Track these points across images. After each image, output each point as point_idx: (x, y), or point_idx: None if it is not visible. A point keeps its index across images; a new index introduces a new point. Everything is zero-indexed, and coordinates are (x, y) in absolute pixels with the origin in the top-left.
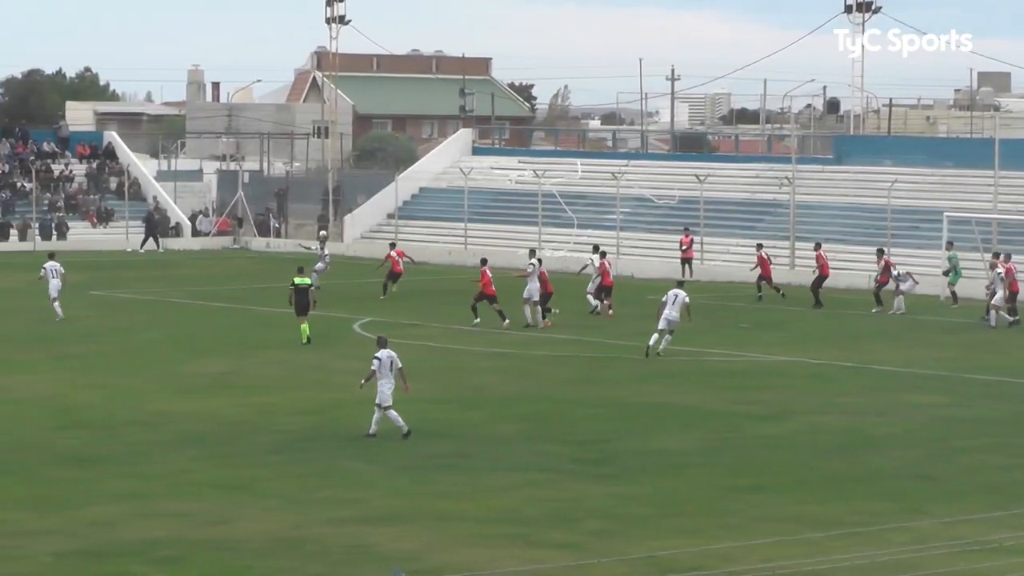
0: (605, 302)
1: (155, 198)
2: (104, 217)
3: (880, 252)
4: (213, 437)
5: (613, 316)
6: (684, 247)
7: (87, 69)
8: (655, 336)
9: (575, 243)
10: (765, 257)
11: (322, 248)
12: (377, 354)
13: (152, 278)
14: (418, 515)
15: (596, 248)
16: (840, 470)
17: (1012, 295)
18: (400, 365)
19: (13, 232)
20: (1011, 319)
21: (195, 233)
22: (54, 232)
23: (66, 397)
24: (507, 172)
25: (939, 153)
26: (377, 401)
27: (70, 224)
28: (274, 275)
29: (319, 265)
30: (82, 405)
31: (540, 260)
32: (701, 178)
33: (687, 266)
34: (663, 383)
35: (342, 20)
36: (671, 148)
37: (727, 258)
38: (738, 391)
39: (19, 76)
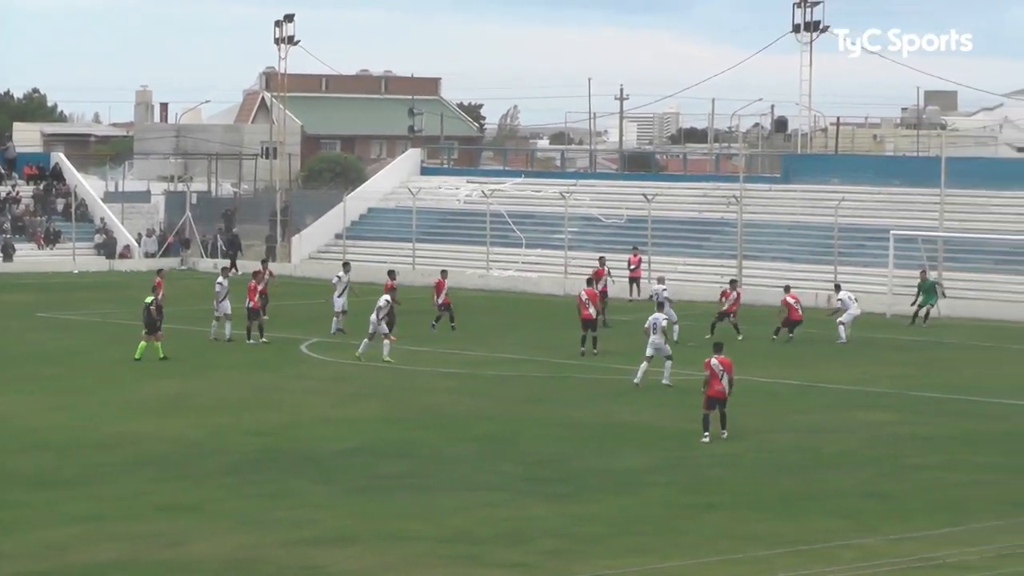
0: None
1: (103, 219)
2: (51, 239)
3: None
4: (168, 458)
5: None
6: (632, 266)
7: (35, 90)
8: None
9: (523, 262)
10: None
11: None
12: None
13: (101, 299)
14: (371, 535)
15: (391, 273)
16: (792, 488)
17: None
18: None
19: None
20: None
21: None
22: (0, 253)
23: (21, 419)
24: (455, 192)
25: (886, 171)
26: None
27: (17, 246)
28: None
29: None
30: (38, 427)
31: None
32: (649, 197)
33: (635, 285)
34: (616, 402)
35: (291, 41)
36: (619, 167)
37: (675, 277)
38: (691, 409)
39: None
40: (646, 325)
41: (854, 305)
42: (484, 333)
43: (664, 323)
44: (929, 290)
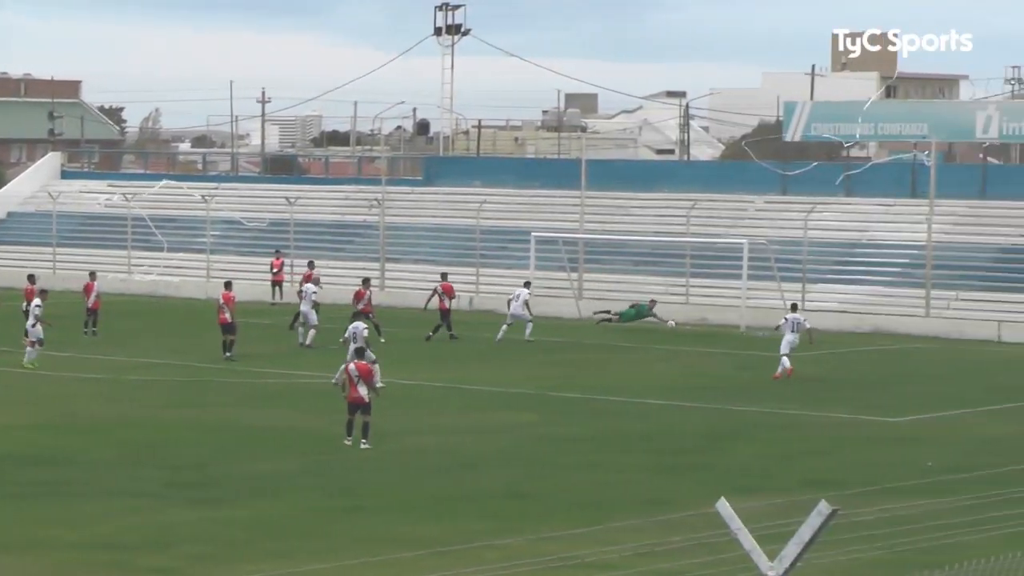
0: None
1: None
2: None
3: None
4: None
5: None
6: (275, 269)
7: None
8: None
9: (165, 266)
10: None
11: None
12: None
13: None
14: (15, 544)
15: (31, 278)
16: (438, 490)
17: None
18: None
19: None
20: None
21: None
22: None
23: None
24: (96, 196)
25: (527, 174)
26: None
27: None
28: None
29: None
30: None
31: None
32: (291, 200)
33: (278, 288)
34: (258, 406)
35: None
36: (261, 170)
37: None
38: (333, 413)
39: None
40: (346, 335)
41: (515, 303)
42: (126, 337)
43: (366, 333)
44: (638, 314)
